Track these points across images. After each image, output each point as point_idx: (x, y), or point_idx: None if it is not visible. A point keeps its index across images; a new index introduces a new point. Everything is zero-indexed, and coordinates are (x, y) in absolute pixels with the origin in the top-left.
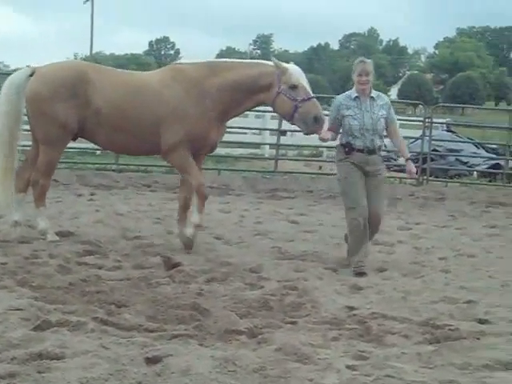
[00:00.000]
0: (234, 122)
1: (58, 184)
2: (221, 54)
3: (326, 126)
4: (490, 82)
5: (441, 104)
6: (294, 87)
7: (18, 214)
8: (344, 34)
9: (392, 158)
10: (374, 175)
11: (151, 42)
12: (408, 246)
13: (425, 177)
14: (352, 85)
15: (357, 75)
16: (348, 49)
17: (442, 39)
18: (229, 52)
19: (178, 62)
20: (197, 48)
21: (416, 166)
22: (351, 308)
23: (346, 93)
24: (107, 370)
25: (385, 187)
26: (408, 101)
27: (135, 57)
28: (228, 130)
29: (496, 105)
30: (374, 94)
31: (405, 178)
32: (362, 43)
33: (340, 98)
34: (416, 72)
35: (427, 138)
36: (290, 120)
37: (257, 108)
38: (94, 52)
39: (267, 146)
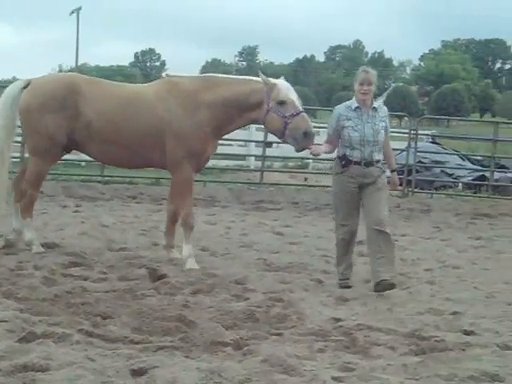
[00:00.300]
0: None
1: (43, 196)
2: (206, 66)
3: (323, 139)
4: (475, 93)
5: (426, 116)
6: (282, 103)
7: (16, 223)
8: (330, 46)
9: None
10: (371, 183)
11: (137, 53)
12: None
13: (410, 188)
14: (340, 96)
15: (358, 84)
16: (334, 61)
17: (427, 51)
18: (214, 64)
19: (174, 75)
20: (183, 60)
21: (401, 178)
22: (337, 319)
23: (346, 103)
24: (92, 381)
25: (385, 194)
26: (393, 113)
27: (121, 68)
28: None
29: (481, 117)
30: (375, 104)
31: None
32: (348, 55)
33: (339, 108)
34: (401, 84)
35: (412, 149)
36: (282, 137)
37: None
38: (79, 63)
39: (253, 158)
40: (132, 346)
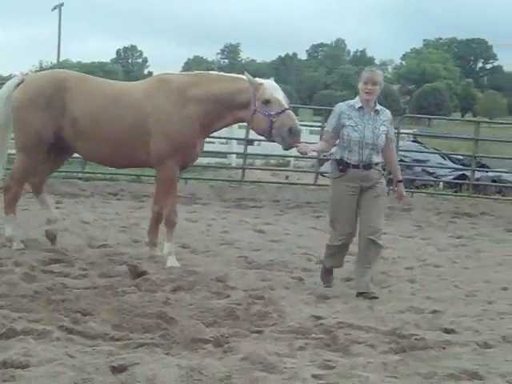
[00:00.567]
0: None
1: (24, 192)
2: (188, 63)
3: (306, 138)
4: (457, 93)
5: (407, 115)
6: (267, 102)
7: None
8: (312, 45)
9: None
10: (370, 188)
11: (119, 50)
12: None
13: (391, 187)
14: (322, 95)
15: (362, 83)
16: (316, 59)
17: (409, 50)
18: (196, 61)
19: (166, 72)
20: (165, 57)
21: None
22: (317, 317)
23: (350, 102)
24: (72, 378)
25: (383, 201)
26: None
27: (102, 65)
28: None
29: (462, 116)
30: (378, 107)
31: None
32: (330, 54)
33: (342, 106)
34: (383, 83)
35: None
36: (270, 137)
37: None
38: (61, 60)
39: (234, 156)
40: (112, 342)
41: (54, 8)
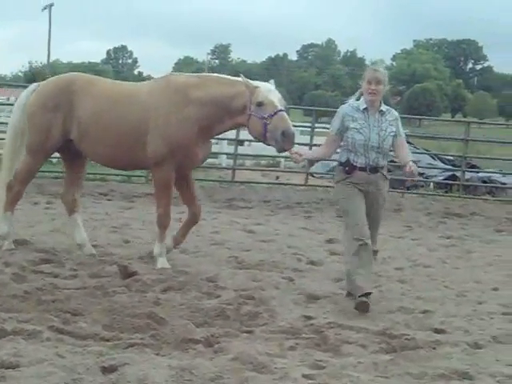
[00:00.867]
0: None
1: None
2: (178, 63)
3: (298, 139)
4: (447, 93)
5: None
6: (260, 104)
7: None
8: (302, 45)
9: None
10: (375, 198)
11: (109, 50)
12: None
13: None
14: (313, 95)
15: (366, 83)
16: (306, 59)
17: (399, 51)
18: (187, 62)
19: (174, 73)
20: (155, 57)
21: None
22: (308, 317)
23: (354, 103)
24: (63, 378)
25: (383, 210)
26: None
27: (92, 65)
28: None
29: (452, 116)
30: (383, 107)
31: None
32: (320, 54)
33: (346, 107)
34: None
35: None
36: (266, 140)
37: None
38: (51, 60)
39: (224, 156)
40: (102, 343)
41: (44, 8)
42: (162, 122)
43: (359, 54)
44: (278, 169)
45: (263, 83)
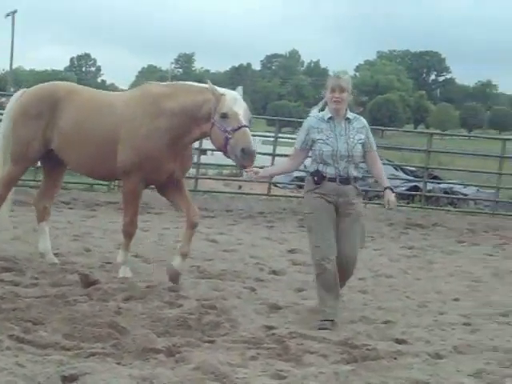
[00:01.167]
0: None
1: None
2: (142, 72)
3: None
4: (410, 105)
5: None
6: (224, 116)
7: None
8: (266, 55)
9: None
10: (346, 211)
11: (72, 58)
12: None
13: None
14: (276, 105)
15: (329, 91)
16: (270, 69)
17: (362, 62)
18: (150, 70)
19: (152, 82)
20: (118, 66)
21: None
22: (270, 327)
23: (319, 114)
24: None
25: (359, 226)
26: None
27: (56, 73)
28: None
29: (415, 128)
30: (350, 115)
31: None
32: (284, 64)
33: (311, 119)
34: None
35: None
36: (226, 154)
37: None
38: (14, 67)
39: None
40: (63, 352)
41: (7, 15)
42: (133, 133)
43: (323, 65)
44: (240, 178)
45: (229, 91)
